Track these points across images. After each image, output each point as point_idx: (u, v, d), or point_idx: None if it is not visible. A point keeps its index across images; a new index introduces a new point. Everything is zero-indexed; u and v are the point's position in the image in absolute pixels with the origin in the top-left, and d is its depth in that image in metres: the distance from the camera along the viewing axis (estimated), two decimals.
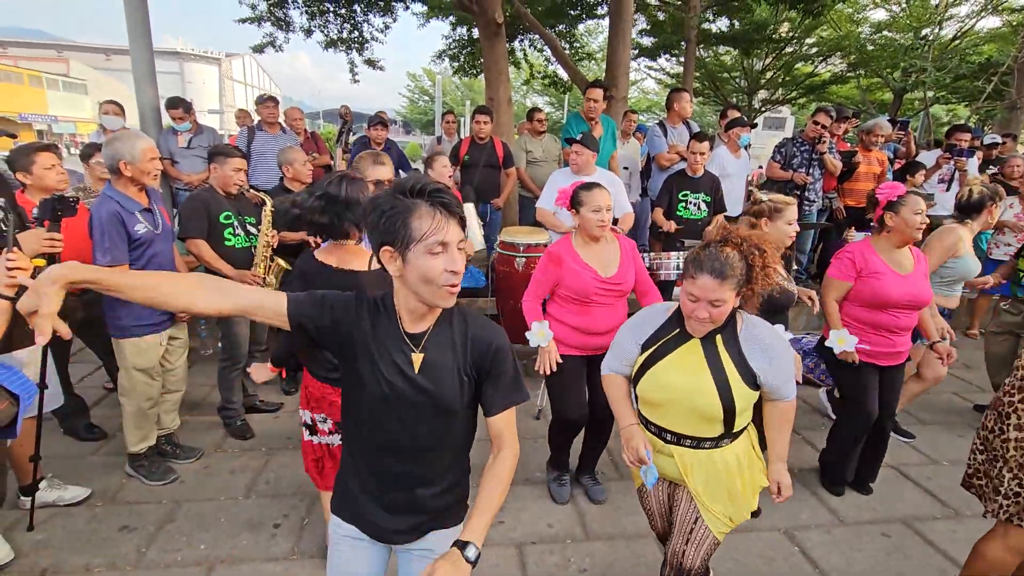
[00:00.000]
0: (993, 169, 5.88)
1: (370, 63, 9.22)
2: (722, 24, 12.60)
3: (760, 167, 6.01)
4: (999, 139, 6.39)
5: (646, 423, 1.74)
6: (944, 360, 2.77)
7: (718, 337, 1.61)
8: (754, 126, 5.22)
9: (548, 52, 10.56)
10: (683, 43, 10.96)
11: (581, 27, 12.63)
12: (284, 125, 5.31)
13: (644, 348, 1.70)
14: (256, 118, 5.30)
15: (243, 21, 8.35)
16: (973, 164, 5.26)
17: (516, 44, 10.68)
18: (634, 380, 1.73)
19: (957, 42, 12.44)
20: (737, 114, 5.32)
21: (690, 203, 4.19)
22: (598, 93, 4.57)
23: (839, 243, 5.25)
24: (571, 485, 2.80)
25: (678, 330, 1.66)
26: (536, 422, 3.51)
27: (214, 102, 42.01)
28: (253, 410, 3.46)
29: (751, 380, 1.59)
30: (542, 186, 3.89)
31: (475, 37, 9.89)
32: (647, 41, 12.67)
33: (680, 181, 4.23)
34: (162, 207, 2.67)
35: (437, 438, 1.31)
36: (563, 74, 12.04)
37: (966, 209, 3.10)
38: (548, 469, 2.88)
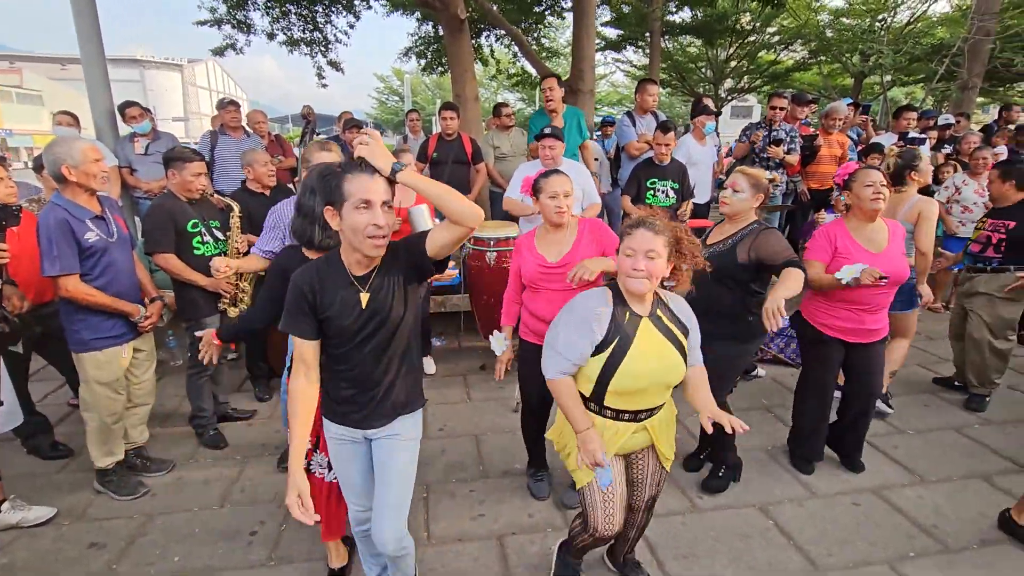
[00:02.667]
0: (948, 149, 6.08)
1: (333, 65, 9.11)
2: (685, 15, 12.75)
3: (728, 155, 6.13)
4: (952, 119, 6.60)
5: (617, 413, 1.76)
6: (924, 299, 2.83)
7: (659, 311, 1.75)
8: (718, 114, 5.29)
9: (516, 48, 10.55)
10: (648, 35, 11.08)
11: (547, 23, 12.65)
12: (248, 129, 5.20)
13: (602, 348, 1.68)
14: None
15: (202, 24, 8.18)
16: (925, 148, 5.42)
17: (483, 40, 10.67)
18: (600, 379, 1.70)
19: (911, 26, 12.84)
20: (709, 103, 5.42)
21: (658, 190, 4.24)
22: (552, 82, 4.58)
23: (808, 225, 5.37)
24: (549, 480, 2.80)
25: (628, 313, 1.70)
26: (515, 415, 3.51)
27: (178, 109, 40.96)
28: (226, 419, 3.39)
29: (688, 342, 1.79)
30: (510, 180, 3.90)
31: (441, 34, 9.84)
32: (612, 33, 12.76)
33: (648, 169, 4.28)
34: (117, 215, 2.59)
35: (397, 347, 1.66)
36: (532, 70, 12.06)
37: (893, 181, 3.17)
38: (527, 466, 2.87)
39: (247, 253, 3.17)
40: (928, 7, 12.67)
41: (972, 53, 7.70)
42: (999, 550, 2.33)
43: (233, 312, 3.14)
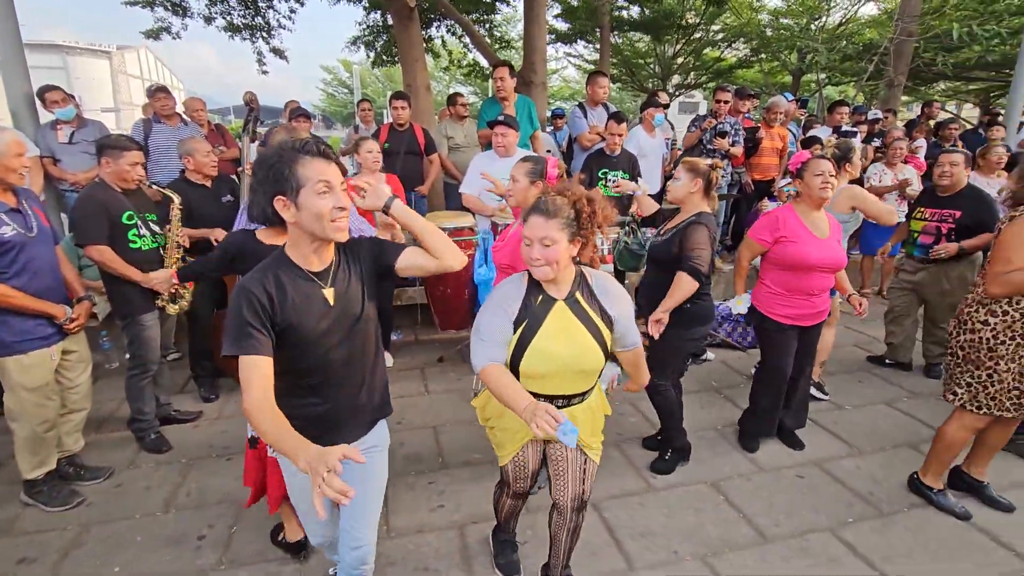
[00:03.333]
0: (878, 142, 6.46)
1: (276, 52, 8.75)
2: (634, 12, 12.99)
3: (676, 148, 6.31)
4: (880, 114, 7.01)
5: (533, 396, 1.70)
6: (858, 310, 2.96)
7: (578, 294, 1.69)
8: (666, 107, 5.43)
9: (468, 39, 10.46)
10: (598, 29, 11.22)
11: (501, 15, 12.61)
12: (184, 117, 4.93)
13: (516, 325, 1.65)
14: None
15: (132, 4, 7.66)
16: (857, 141, 5.75)
17: (434, 31, 10.51)
18: (511, 362, 1.67)
19: (843, 28, 13.58)
20: (665, 98, 5.55)
21: (609, 180, 4.31)
22: (504, 71, 4.58)
23: (752, 215, 5.59)
24: None
25: (541, 296, 1.67)
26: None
27: (108, 99, 38.36)
28: (168, 421, 3.22)
29: (611, 327, 1.73)
30: (465, 172, 3.86)
31: (390, 24, 9.63)
32: (563, 26, 12.85)
33: (599, 160, 4.35)
34: (37, 208, 2.40)
35: (369, 346, 1.58)
36: (484, 62, 11.98)
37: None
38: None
39: (188, 249, 3.02)
40: (857, 9, 13.47)
41: (897, 53, 8.21)
42: (925, 513, 2.51)
43: (173, 309, 2.98)
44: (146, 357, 2.89)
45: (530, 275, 1.70)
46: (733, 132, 5.38)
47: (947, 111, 12.64)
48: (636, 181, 4.48)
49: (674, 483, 2.75)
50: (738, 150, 5.30)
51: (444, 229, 3.43)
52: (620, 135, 4.25)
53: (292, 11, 8.47)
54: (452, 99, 5.39)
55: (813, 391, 3.44)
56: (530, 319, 1.64)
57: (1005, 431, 2.45)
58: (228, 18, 8.18)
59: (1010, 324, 2.19)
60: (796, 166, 2.85)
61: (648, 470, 2.83)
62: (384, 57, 10.92)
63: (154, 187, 3.01)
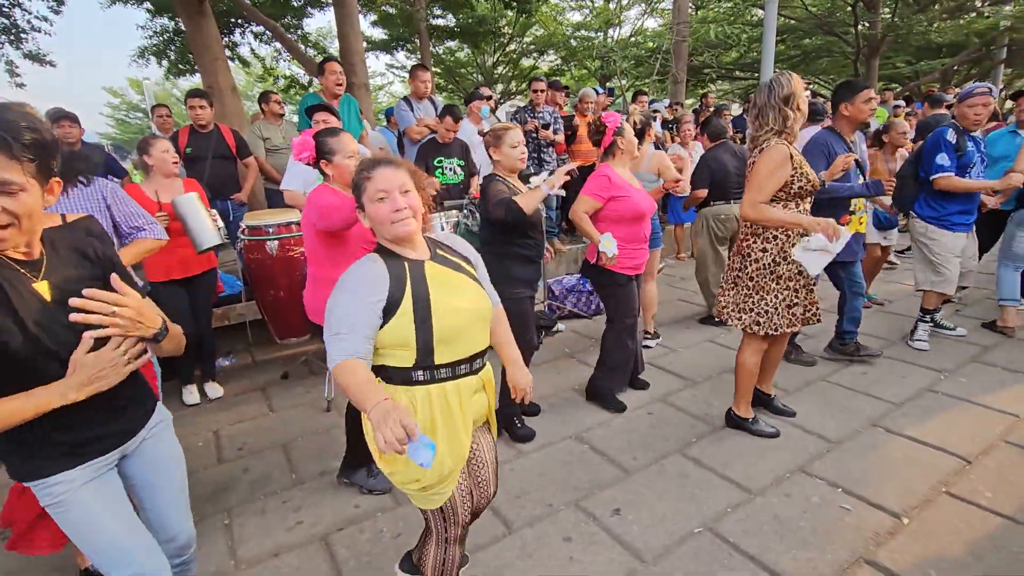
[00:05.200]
0: (674, 128, 7.42)
1: (34, 58, 7.31)
2: (450, 20, 13.33)
3: None
4: (663, 105, 8.07)
5: (453, 369, 1.48)
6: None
7: (438, 251, 1.57)
8: (490, 98, 5.61)
9: (279, 46, 9.79)
10: (416, 38, 11.29)
11: (315, 32, 12.06)
12: None
13: (393, 309, 1.41)
14: None
15: None
16: (657, 125, 6.53)
17: (238, 37, 9.67)
18: (421, 337, 1.43)
19: (633, 38, 15.53)
20: (488, 91, 5.70)
21: (445, 168, 4.32)
22: (336, 65, 4.36)
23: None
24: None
25: (406, 264, 1.48)
26: (327, 415, 3.22)
27: None
28: None
29: (476, 270, 1.64)
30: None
31: (182, 28, 8.62)
32: (379, 34, 12.71)
33: (433, 149, 4.34)
34: None
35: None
36: (303, 76, 11.32)
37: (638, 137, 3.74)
38: (348, 466, 2.61)
39: None
40: (643, 22, 15.58)
41: (676, 54, 9.54)
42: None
43: None
44: None
45: (381, 251, 1.50)
46: (553, 122, 5.75)
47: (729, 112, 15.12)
48: (469, 167, 4.59)
49: (542, 444, 2.80)
50: (560, 137, 5.67)
51: (267, 227, 3.13)
52: (451, 130, 4.34)
53: (53, 11, 7.13)
54: (265, 97, 4.94)
55: (645, 340, 3.80)
56: (413, 290, 1.43)
57: (780, 347, 2.85)
58: None
59: (782, 247, 2.53)
60: (617, 124, 3.05)
61: (515, 441, 2.84)
62: (181, 66, 9.77)
63: None
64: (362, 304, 1.38)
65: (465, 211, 4.28)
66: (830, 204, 3.13)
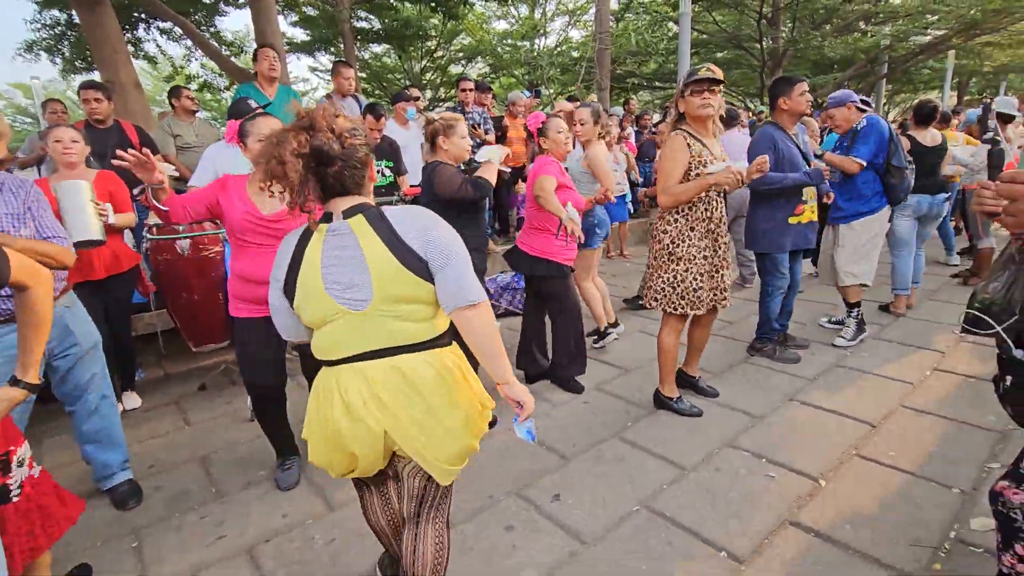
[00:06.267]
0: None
1: None
2: (375, 24, 13.10)
3: None
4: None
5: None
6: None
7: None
8: (417, 99, 5.54)
9: (191, 43, 9.21)
10: (339, 39, 10.99)
11: (236, 30, 11.43)
12: None
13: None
14: None
15: None
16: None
17: (143, 33, 9.01)
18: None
19: (559, 48, 15.96)
20: (416, 92, 5.62)
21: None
22: (271, 51, 4.14)
23: (512, 196, 6.04)
24: (299, 464, 2.49)
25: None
26: (251, 424, 3.02)
27: None
28: None
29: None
30: None
31: (76, 22, 7.90)
32: (301, 35, 12.29)
33: None
34: None
35: None
36: (218, 79, 10.70)
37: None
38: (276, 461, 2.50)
39: None
40: (567, 33, 16.06)
41: (600, 63, 9.87)
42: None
43: None
44: None
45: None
46: (483, 122, 5.77)
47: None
48: (398, 167, 4.52)
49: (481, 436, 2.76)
50: (491, 138, 5.69)
51: (176, 225, 2.90)
52: (380, 129, 4.29)
53: None
54: (176, 92, 4.58)
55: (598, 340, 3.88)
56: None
57: (703, 331, 2.96)
58: None
59: (681, 230, 2.66)
60: (537, 126, 3.14)
61: None
62: (77, 63, 8.96)
63: None
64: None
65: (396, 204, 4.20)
66: (784, 196, 3.25)
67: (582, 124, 3.46)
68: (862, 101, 3.75)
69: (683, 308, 2.68)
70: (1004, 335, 1.43)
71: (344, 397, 1.35)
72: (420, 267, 1.33)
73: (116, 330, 3.00)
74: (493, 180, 2.66)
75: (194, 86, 10.52)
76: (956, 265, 5.57)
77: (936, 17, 12.47)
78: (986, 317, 1.50)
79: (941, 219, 4.49)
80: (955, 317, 4.13)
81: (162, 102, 17.09)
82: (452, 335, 1.47)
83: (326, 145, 1.29)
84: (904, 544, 1.92)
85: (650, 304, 2.78)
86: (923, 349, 3.59)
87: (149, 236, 2.92)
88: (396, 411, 1.34)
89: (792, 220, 3.30)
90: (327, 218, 1.38)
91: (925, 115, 4.34)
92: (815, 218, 3.43)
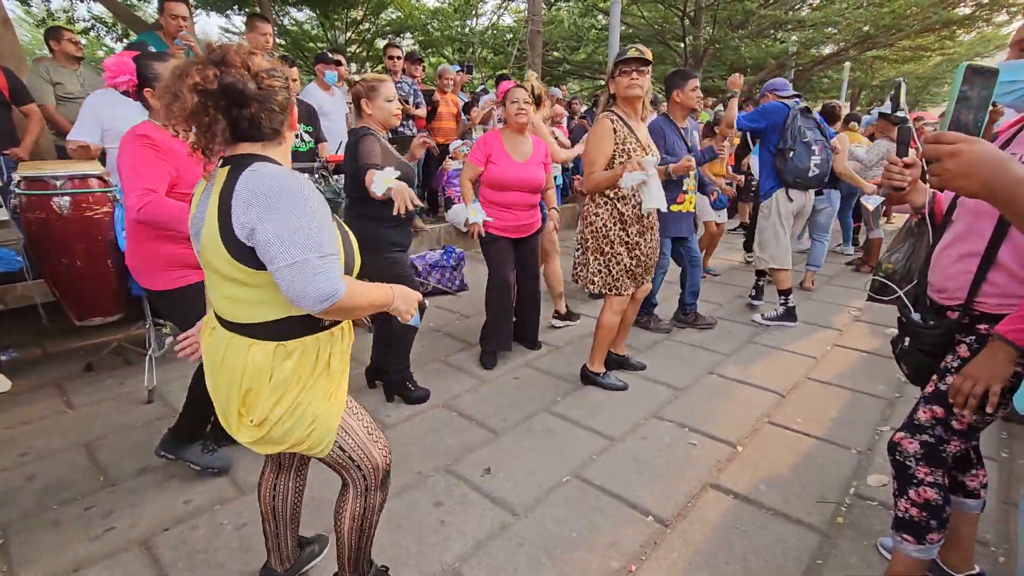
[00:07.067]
0: None
1: None
2: None
3: None
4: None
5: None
6: (556, 225, 3.53)
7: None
8: (339, 64, 5.20)
9: None
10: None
11: None
12: None
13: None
14: None
15: None
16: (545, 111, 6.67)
17: None
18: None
19: (490, 31, 15.76)
20: (339, 57, 5.26)
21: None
22: (182, 8, 3.67)
23: (440, 172, 5.87)
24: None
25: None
26: (147, 407, 2.72)
27: None
28: None
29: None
30: None
31: None
32: None
33: None
34: None
35: None
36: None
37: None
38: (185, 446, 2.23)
39: None
40: (500, 16, 15.87)
41: (531, 44, 9.83)
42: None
43: None
44: None
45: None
46: (414, 95, 5.55)
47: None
48: (317, 133, 4.24)
49: (408, 415, 2.65)
50: (421, 112, 5.49)
51: (54, 179, 2.53)
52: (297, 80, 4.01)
53: None
54: (55, 33, 3.96)
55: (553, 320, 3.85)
56: None
57: (632, 308, 3.03)
58: None
59: (611, 212, 2.68)
60: (502, 94, 3.17)
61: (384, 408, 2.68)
62: None
63: None
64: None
65: (316, 175, 3.93)
66: (665, 185, 3.38)
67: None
68: (791, 96, 4.00)
69: (618, 289, 2.72)
70: (905, 299, 1.54)
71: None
72: (234, 245, 1.14)
73: None
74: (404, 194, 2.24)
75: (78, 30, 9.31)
76: (850, 255, 6.11)
77: (836, 30, 13.58)
78: (890, 284, 1.61)
79: (828, 215, 4.85)
80: (851, 299, 4.53)
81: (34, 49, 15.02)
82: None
83: (240, 83, 1.13)
84: (812, 501, 2.05)
85: (587, 287, 2.78)
86: (824, 328, 3.89)
87: (18, 191, 2.51)
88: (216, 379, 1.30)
89: (673, 208, 3.47)
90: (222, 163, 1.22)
91: (826, 114, 4.76)
92: (692, 208, 3.71)
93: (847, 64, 15.41)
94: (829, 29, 13.61)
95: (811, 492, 2.10)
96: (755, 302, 4.24)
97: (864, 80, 19.73)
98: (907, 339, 1.54)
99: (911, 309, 1.52)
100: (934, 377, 1.43)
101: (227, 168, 1.18)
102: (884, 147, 4.99)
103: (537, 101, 3.67)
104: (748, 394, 2.89)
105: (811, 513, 1.99)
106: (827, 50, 15.05)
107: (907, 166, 1.40)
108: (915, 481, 1.45)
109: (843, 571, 1.74)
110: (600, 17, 14.06)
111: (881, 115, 5.29)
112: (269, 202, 1.10)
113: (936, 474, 1.43)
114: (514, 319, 3.33)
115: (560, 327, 3.83)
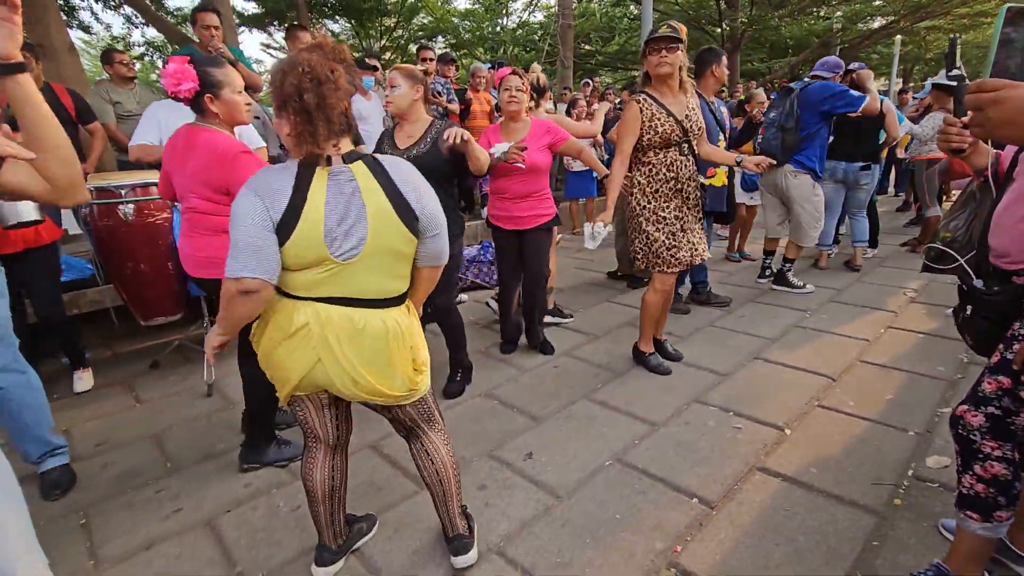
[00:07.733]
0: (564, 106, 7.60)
1: None
2: None
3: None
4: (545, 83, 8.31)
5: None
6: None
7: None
8: (375, 69, 5.35)
9: (129, 11, 8.64)
10: (293, 12, 10.54)
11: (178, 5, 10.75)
12: None
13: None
14: None
15: None
16: (550, 105, 6.65)
17: (78, 2, 8.42)
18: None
19: (520, 31, 15.82)
20: (375, 62, 5.42)
21: None
22: (212, 18, 3.86)
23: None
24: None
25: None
26: (208, 400, 2.88)
27: None
28: None
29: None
30: None
31: None
32: (253, 7, 11.75)
33: None
34: None
35: None
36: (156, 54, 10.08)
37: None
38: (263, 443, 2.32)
39: None
40: (530, 14, 15.92)
41: (563, 40, 9.80)
42: (642, 370, 2.99)
43: None
44: None
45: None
46: (447, 92, 5.64)
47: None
48: (354, 138, 4.36)
49: (452, 404, 2.71)
50: (455, 107, 5.57)
51: (119, 188, 2.72)
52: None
53: None
54: (108, 57, 4.27)
55: (551, 318, 3.78)
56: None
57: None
58: None
59: (643, 190, 2.71)
60: (497, 82, 3.12)
61: (440, 396, 2.75)
62: None
63: None
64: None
65: None
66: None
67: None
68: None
69: (661, 267, 2.72)
70: (966, 266, 1.47)
71: (319, 330, 1.35)
72: (412, 222, 1.39)
73: (44, 308, 2.75)
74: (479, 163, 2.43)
75: (134, 55, 9.92)
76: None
77: (884, 1, 12.90)
78: (950, 251, 1.54)
79: (868, 191, 4.60)
80: (906, 281, 4.31)
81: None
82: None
83: (352, 80, 1.30)
84: (866, 483, 1.98)
85: (640, 265, 2.83)
86: (877, 310, 3.72)
87: (91, 201, 2.71)
88: (351, 355, 1.38)
89: (705, 183, 3.37)
90: (327, 161, 1.33)
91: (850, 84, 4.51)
92: (725, 182, 3.75)
93: (898, 38, 14.61)
94: (877, 1, 12.95)
95: (865, 474, 2.03)
96: (762, 280, 4.41)
97: (917, 53, 18.66)
98: (969, 307, 1.47)
99: (972, 276, 1.45)
100: (1000, 346, 1.36)
101: (360, 162, 1.35)
102: (939, 119, 4.72)
103: (540, 93, 3.67)
104: (796, 378, 2.81)
105: (866, 495, 1.92)
106: (876, 24, 14.31)
107: (966, 126, 1.34)
108: (980, 456, 1.38)
109: (901, 552, 1.67)
110: (632, 7, 13.85)
111: (935, 86, 4.97)
112: (420, 183, 1.42)
113: (1005, 448, 1.36)
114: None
115: (549, 323, 3.63)
